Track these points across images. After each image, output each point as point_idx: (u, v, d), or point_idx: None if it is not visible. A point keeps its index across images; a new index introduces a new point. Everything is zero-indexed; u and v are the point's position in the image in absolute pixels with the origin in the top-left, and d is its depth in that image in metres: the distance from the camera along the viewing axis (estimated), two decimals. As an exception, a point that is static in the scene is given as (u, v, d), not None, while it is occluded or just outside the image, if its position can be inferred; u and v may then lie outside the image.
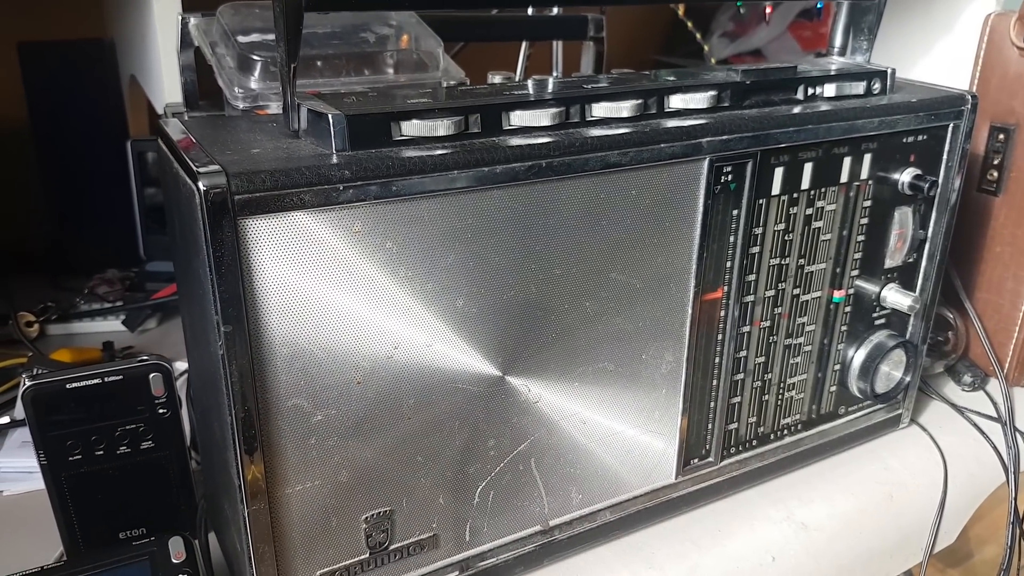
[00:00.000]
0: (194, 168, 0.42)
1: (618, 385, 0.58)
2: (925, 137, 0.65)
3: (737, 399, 0.64)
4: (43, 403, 0.55)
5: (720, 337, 0.61)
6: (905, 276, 0.70)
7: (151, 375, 0.57)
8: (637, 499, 0.62)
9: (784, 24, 1.24)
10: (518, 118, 0.50)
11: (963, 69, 0.85)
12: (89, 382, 0.56)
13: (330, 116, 0.45)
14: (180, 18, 0.60)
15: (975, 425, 0.79)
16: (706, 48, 1.13)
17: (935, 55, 0.97)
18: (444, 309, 0.49)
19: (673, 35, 1.39)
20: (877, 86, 0.64)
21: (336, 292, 0.46)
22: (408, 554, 0.54)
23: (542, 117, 0.50)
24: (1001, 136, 0.81)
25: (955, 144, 0.67)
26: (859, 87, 0.63)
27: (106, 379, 0.56)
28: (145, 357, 0.58)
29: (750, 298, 0.61)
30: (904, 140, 0.64)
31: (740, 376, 0.63)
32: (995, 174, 0.82)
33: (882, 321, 0.70)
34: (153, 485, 0.59)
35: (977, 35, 0.82)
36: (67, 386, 0.55)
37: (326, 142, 0.46)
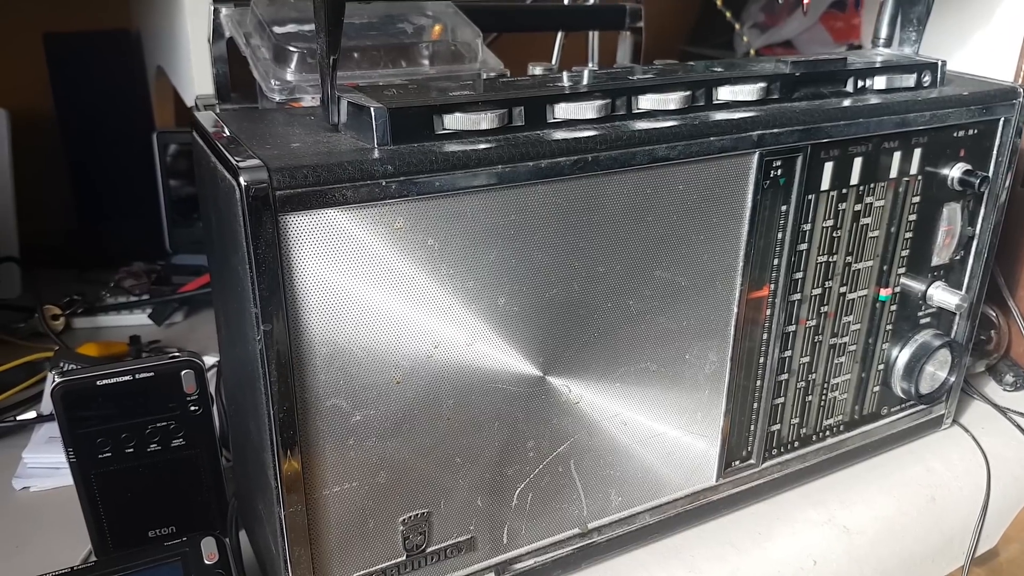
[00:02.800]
0: (235, 163, 0.40)
1: (660, 385, 0.56)
2: (976, 131, 0.64)
3: (781, 400, 0.63)
4: (73, 400, 0.54)
5: (765, 336, 0.59)
6: (952, 274, 0.68)
7: (183, 372, 0.56)
8: (677, 501, 0.61)
9: (816, 15, 1.22)
10: (563, 111, 0.48)
11: (1006, 61, 0.83)
12: (120, 379, 0.55)
13: (372, 109, 0.44)
14: (212, 8, 0.59)
15: (1018, 426, 0.78)
16: (745, 39, 1.11)
17: (973, 46, 0.94)
18: (485, 308, 0.48)
19: (703, 26, 1.37)
20: (928, 79, 0.62)
21: (376, 290, 0.45)
22: (445, 556, 0.53)
23: (587, 110, 0.49)
24: (1047, 130, 0.79)
25: (1006, 138, 0.65)
26: (910, 80, 0.61)
27: (137, 376, 0.55)
28: (176, 353, 0.57)
29: (797, 296, 0.60)
30: (955, 134, 0.62)
31: (784, 376, 0.62)
32: (1040, 168, 0.80)
33: (927, 320, 0.68)
34: (184, 483, 0.58)
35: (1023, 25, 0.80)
36: (97, 383, 0.55)
37: (367, 136, 0.44)
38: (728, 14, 0.95)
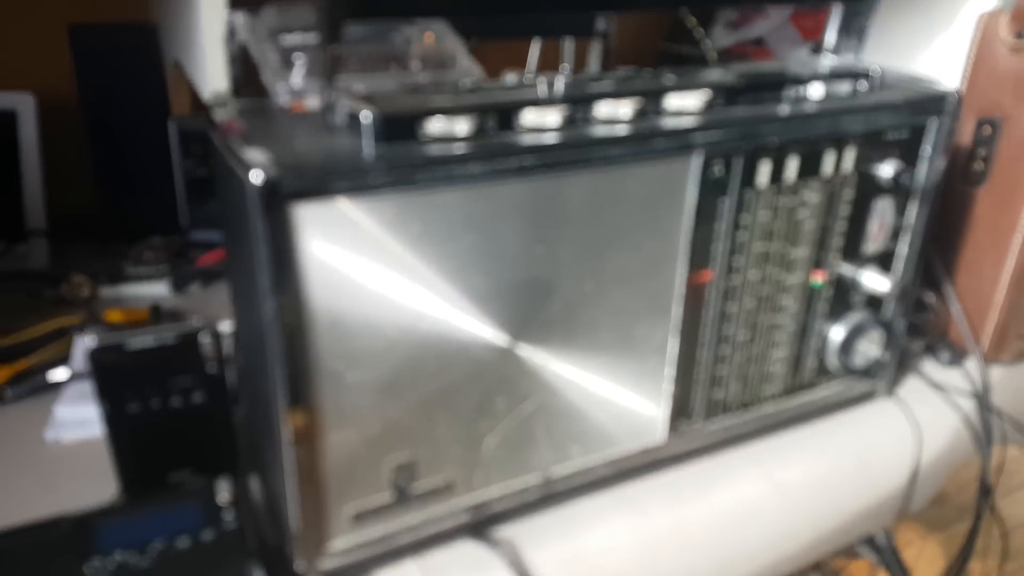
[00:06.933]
0: (249, 159, 0.48)
1: (614, 355, 0.64)
2: (908, 133, 0.70)
3: (722, 370, 0.70)
4: (106, 360, 0.61)
5: (708, 315, 0.66)
6: (884, 261, 0.74)
7: (202, 337, 0.63)
8: (630, 457, 0.68)
9: (786, 13, 1.27)
10: (529, 117, 0.56)
11: (959, 64, 0.88)
12: (148, 343, 0.62)
13: (365, 114, 0.51)
14: (228, 16, 0.66)
15: (951, 400, 0.84)
16: (707, 42, 1.17)
17: (933, 51, 1.00)
18: (463, 286, 0.55)
19: (680, 24, 1.43)
20: (863, 85, 0.69)
21: (369, 268, 0.52)
22: (427, 498, 0.61)
23: (551, 116, 0.56)
24: (988, 129, 0.84)
25: (938, 139, 0.71)
26: (846, 85, 0.67)
27: (163, 340, 0.62)
28: (197, 319, 0.65)
29: (737, 280, 0.67)
30: (887, 135, 0.68)
31: (725, 350, 0.69)
32: (981, 165, 0.85)
33: (861, 303, 0.75)
34: (201, 434, 0.65)
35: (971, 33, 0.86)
36: (129, 346, 0.61)
37: (361, 137, 0.52)
38: (694, 19, 1.01)
